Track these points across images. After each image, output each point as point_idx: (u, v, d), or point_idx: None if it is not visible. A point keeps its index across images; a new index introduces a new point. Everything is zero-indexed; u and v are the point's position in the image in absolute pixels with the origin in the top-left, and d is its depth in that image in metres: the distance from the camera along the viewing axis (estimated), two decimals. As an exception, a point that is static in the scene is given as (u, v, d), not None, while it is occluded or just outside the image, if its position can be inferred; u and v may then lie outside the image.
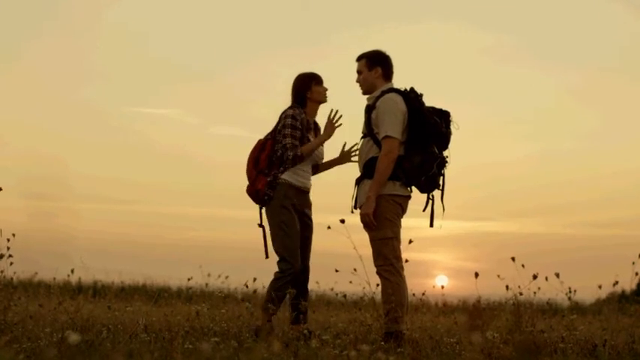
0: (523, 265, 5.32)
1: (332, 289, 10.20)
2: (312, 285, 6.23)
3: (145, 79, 25.72)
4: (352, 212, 5.58)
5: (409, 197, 5.59)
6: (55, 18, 24.09)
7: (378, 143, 5.50)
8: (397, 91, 5.58)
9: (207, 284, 9.80)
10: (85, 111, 23.98)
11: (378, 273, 5.50)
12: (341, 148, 6.19)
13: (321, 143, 6.02)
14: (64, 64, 24.52)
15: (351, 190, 5.66)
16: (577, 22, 26.45)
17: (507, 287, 5.56)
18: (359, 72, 5.73)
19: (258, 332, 5.44)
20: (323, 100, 6.06)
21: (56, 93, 24.35)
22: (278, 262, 5.88)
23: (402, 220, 5.59)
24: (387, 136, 5.42)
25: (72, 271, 8.20)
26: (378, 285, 5.60)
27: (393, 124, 5.41)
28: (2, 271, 5.73)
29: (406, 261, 5.56)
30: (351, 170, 5.75)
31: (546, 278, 5.36)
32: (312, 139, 6.00)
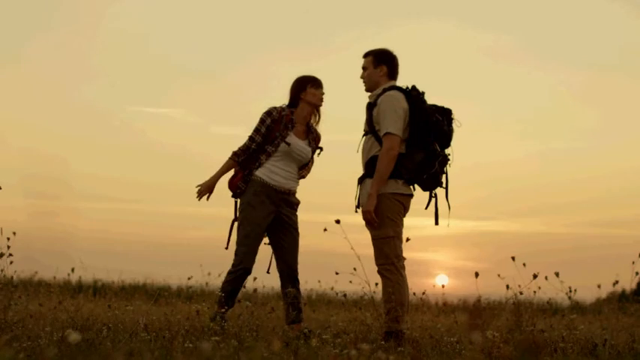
0: (524, 264, 5.33)
1: (332, 289, 10.24)
2: (313, 284, 6.24)
3: (146, 78, 25.72)
4: (356, 212, 5.58)
5: (411, 196, 5.58)
6: (56, 17, 24.08)
7: (379, 141, 5.49)
8: (399, 88, 5.58)
9: (207, 283, 9.82)
10: (87, 110, 23.96)
11: (379, 272, 5.50)
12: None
13: (215, 180, 6.02)
14: (65, 63, 24.52)
15: (352, 189, 5.67)
16: (577, 21, 26.44)
17: (508, 287, 5.56)
18: (364, 68, 5.72)
19: (213, 319, 5.58)
20: (316, 102, 6.04)
21: (57, 92, 24.34)
22: (234, 256, 5.96)
23: (405, 219, 5.59)
24: (387, 133, 5.41)
25: (72, 270, 8.21)
26: (377, 284, 5.60)
27: (394, 121, 5.41)
28: (2, 270, 5.74)
29: (404, 259, 5.55)
30: (352, 170, 5.74)
31: (546, 278, 5.36)
32: (290, 139, 5.95)
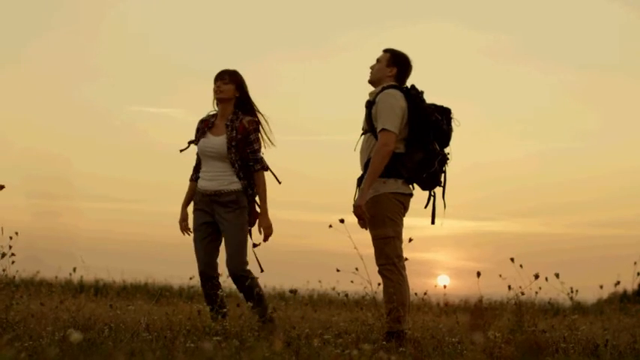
0: (521, 265, 5.33)
1: (334, 289, 10.22)
2: (314, 284, 6.23)
3: (147, 78, 25.72)
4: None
5: (411, 195, 5.58)
6: (57, 17, 24.09)
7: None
8: (398, 87, 5.58)
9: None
10: (88, 110, 23.98)
11: (379, 272, 5.50)
12: None
13: (182, 209, 6.02)
14: (66, 63, 24.53)
15: (354, 189, 5.66)
16: (577, 21, 26.42)
17: (509, 287, 5.56)
18: (378, 61, 5.71)
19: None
20: (214, 96, 5.96)
21: (59, 92, 24.35)
22: None
23: (404, 219, 5.59)
24: (383, 129, 5.41)
25: (74, 269, 8.21)
26: (379, 284, 5.60)
27: (390, 118, 5.41)
28: (4, 270, 5.74)
29: (406, 259, 5.56)
30: (355, 170, 5.74)
31: (546, 279, 5.36)
32: (203, 139, 5.90)
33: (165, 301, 9.63)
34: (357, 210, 5.43)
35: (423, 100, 5.56)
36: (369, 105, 5.58)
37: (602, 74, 27.28)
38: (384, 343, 5.11)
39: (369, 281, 5.64)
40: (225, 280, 9.25)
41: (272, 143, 5.95)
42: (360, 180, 5.61)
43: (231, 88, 5.91)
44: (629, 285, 5.46)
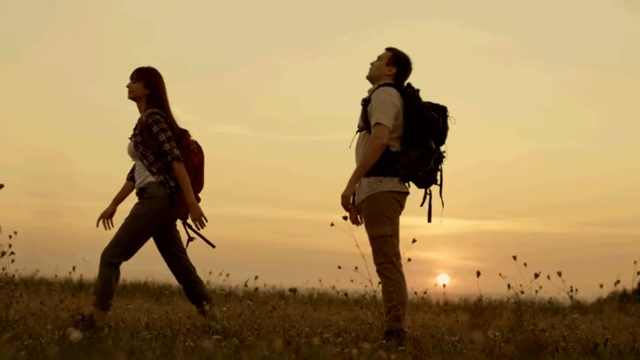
0: (525, 264, 5.33)
1: (333, 287, 10.24)
2: (314, 283, 6.23)
3: (147, 77, 25.67)
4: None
5: (407, 193, 5.58)
6: (58, 16, 24.09)
7: None
8: (394, 85, 5.58)
9: (208, 282, 9.79)
10: (88, 109, 23.96)
11: (378, 271, 5.50)
12: None
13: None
14: (67, 62, 24.52)
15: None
16: (576, 20, 26.42)
17: (509, 286, 5.57)
18: (379, 58, 5.71)
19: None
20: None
21: (59, 91, 24.34)
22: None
23: (403, 218, 5.60)
24: (377, 123, 5.41)
25: (73, 268, 8.20)
26: (379, 283, 5.60)
27: (384, 113, 5.41)
28: (4, 269, 5.74)
29: (409, 259, 5.56)
30: (353, 168, 5.72)
31: (548, 277, 5.37)
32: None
33: (165, 299, 9.64)
34: (344, 200, 5.43)
35: (419, 99, 5.56)
36: (365, 102, 5.58)
37: (601, 74, 27.29)
38: (384, 341, 5.11)
39: (369, 280, 5.64)
40: (225, 279, 9.28)
41: (169, 136, 5.71)
42: (356, 177, 5.61)
43: (139, 86, 5.84)
44: (628, 284, 5.47)
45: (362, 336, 5.48)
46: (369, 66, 5.73)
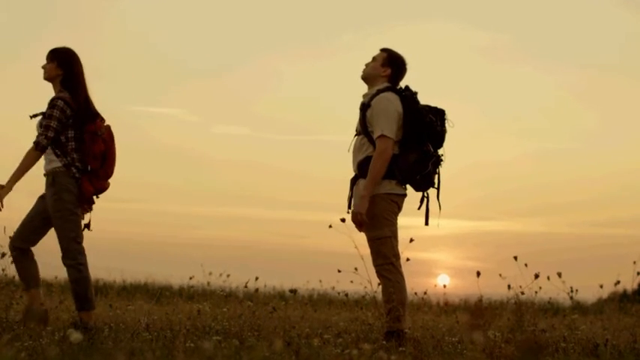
0: (526, 265, 5.33)
1: (333, 288, 10.25)
2: (314, 284, 6.23)
3: (148, 78, 25.73)
4: (348, 212, 5.57)
5: (405, 195, 5.58)
6: (58, 16, 24.10)
7: (372, 142, 5.49)
8: (393, 89, 5.57)
9: (208, 283, 9.81)
10: (88, 109, 23.93)
11: (377, 272, 5.49)
12: None
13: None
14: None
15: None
16: (575, 20, 26.42)
17: (509, 286, 5.56)
18: (374, 59, 5.71)
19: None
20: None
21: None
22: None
23: (401, 219, 5.60)
24: (382, 136, 5.40)
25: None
26: (379, 284, 5.60)
27: (387, 123, 5.40)
28: (4, 270, 5.75)
29: (407, 259, 5.56)
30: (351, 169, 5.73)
31: (548, 278, 5.37)
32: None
33: (165, 300, 9.64)
34: (356, 217, 5.42)
35: (418, 102, 5.55)
36: (364, 108, 5.57)
37: (601, 74, 27.29)
38: (384, 342, 5.11)
39: (369, 281, 5.64)
40: (226, 280, 9.29)
41: (50, 125, 5.55)
42: (353, 181, 5.60)
43: (53, 66, 5.71)
44: (628, 284, 5.47)
45: (362, 337, 5.48)
46: (364, 65, 5.72)
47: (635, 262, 5.21)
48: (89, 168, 5.64)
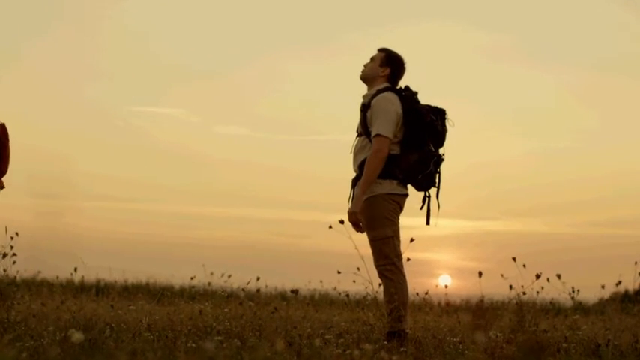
0: (524, 265, 5.33)
1: (335, 289, 10.25)
2: (315, 284, 6.23)
3: (148, 78, 25.71)
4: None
5: (406, 196, 5.58)
6: (59, 17, 24.08)
7: None
8: (393, 89, 5.57)
9: (210, 283, 9.81)
10: (89, 110, 23.96)
11: (379, 272, 5.49)
12: None
13: None
14: (67, 62, 24.51)
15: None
16: (576, 21, 26.36)
17: (510, 287, 5.56)
18: (372, 59, 5.71)
19: None
20: None
21: (61, 92, 24.33)
22: None
23: (402, 219, 5.59)
24: (378, 135, 5.40)
25: (75, 269, 8.20)
26: (380, 284, 5.60)
27: (385, 123, 5.39)
28: (5, 270, 5.75)
29: (408, 259, 5.56)
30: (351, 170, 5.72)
31: (548, 279, 5.36)
32: None
33: (167, 300, 9.63)
34: (352, 217, 5.42)
35: (418, 102, 5.55)
36: (364, 108, 5.57)
37: (601, 74, 27.25)
38: (386, 342, 5.11)
39: (370, 281, 5.64)
40: (227, 280, 9.28)
41: None
42: (354, 182, 5.60)
43: None
44: (630, 285, 5.47)
45: (363, 337, 5.48)
46: (363, 66, 5.72)
47: (636, 263, 5.22)
48: None
